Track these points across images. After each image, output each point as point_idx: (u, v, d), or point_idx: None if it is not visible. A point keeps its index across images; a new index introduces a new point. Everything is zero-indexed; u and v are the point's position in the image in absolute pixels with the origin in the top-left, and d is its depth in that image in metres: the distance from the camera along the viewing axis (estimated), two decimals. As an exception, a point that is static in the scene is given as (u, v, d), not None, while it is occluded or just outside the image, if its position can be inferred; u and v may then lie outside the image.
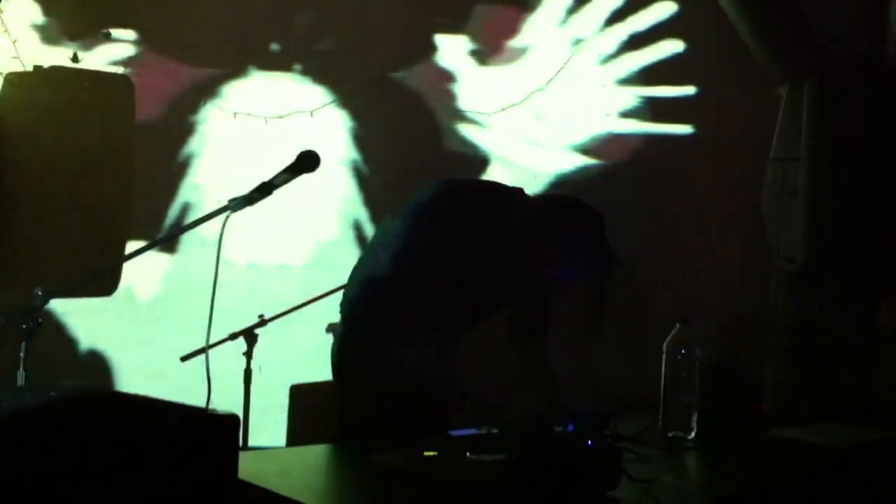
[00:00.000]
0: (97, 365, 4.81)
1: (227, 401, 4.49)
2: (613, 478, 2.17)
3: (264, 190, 2.57)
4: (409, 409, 2.73)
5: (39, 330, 2.57)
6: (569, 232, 2.88)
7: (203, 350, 4.15)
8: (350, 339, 2.95)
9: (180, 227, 3.13)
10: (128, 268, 4.66)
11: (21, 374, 2.54)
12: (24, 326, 2.53)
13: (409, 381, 2.75)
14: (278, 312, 4.29)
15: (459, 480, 2.09)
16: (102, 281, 4.40)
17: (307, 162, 2.60)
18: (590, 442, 2.31)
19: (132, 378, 4.79)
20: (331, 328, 3.13)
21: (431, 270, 2.80)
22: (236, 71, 4.82)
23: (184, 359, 3.92)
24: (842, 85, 4.04)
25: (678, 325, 2.79)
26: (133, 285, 4.78)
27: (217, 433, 1.64)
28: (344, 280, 3.07)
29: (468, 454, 2.26)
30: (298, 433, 4.50)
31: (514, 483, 2.04)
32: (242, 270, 4.89)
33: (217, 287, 4.96)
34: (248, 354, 4.34)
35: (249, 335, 4.34)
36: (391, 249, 2.86)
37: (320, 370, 3.09)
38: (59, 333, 4.74)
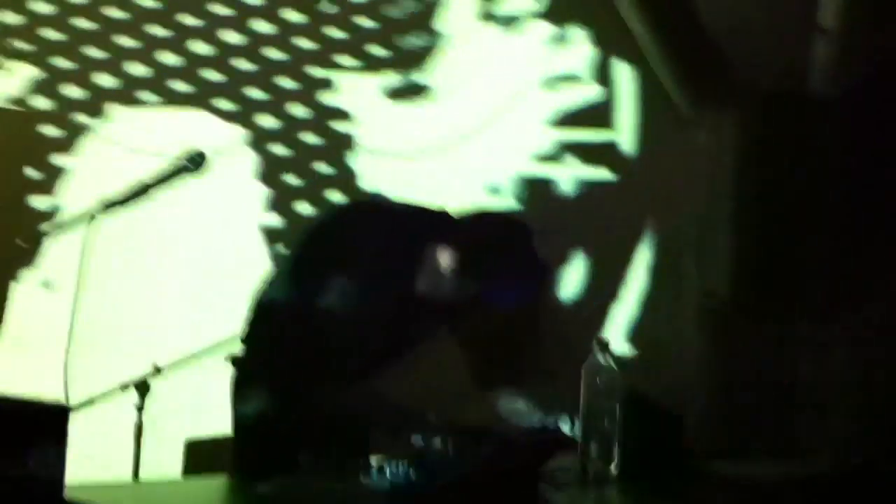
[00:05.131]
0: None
1: (117, 462, 4.21)
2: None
3: (139, 192, 2.34)
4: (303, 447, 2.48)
5: None
6: (500, 247, 2.63)
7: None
8: (245, 376, 2.69)
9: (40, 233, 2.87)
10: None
11: None
12: None
13: (307, 421, 2.52)
14: (175, 360, 4.01)
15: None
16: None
17: (192, 163, 2.39)
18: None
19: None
20: (230, 359, 2.91)
21: (328, 299, 2.57)
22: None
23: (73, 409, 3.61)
24: (763, 121, 3.96)
25: (596, 349, 2.60)
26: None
27: (41, 426, 1.38)
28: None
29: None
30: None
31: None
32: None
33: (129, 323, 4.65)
34: (140, 408, 4.03)
35: (142, 386, 4.03)
36: (285, 277, 2.67)
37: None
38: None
